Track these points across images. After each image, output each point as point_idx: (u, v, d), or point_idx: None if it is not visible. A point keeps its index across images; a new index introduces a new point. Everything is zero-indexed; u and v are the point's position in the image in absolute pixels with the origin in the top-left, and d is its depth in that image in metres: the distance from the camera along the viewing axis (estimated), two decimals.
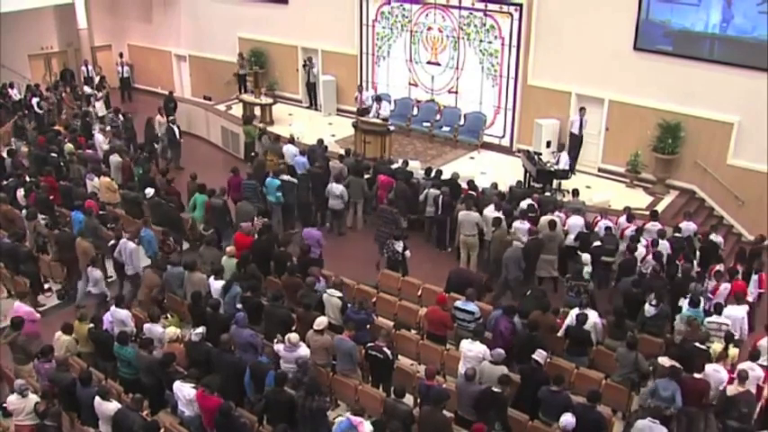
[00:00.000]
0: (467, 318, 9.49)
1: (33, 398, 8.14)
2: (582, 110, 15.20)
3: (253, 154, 15.77)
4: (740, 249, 11.66)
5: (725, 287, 10.32)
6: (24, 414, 8.13)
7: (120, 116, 17.74)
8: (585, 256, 10.98)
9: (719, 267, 10.74)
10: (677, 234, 11.80)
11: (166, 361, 8.54)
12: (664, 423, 7.60)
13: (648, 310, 9.64)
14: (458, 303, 9.69)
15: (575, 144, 15.35)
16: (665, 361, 8.53)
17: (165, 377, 8.50)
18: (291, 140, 15.48)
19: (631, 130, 15.05)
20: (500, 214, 11.97)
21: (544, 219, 12.02)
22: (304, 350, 8.76)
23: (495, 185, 13.48)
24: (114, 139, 16.73)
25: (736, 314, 9.62)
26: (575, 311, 9.41)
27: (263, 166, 14.76)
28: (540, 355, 8.38)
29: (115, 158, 14.95)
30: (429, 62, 18.05)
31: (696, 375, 8.35)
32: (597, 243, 11.54)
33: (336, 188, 13.48)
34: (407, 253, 11.64)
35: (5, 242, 11.76)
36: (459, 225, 12.27)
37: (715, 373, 8.45)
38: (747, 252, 11.47)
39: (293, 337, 8.75)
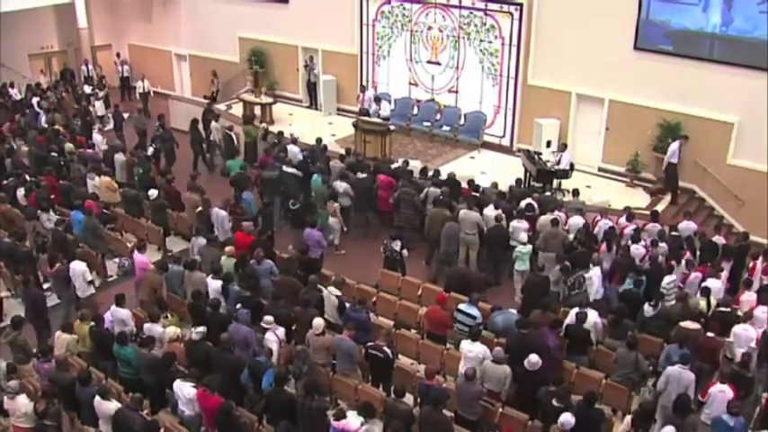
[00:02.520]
0: (467, 321, 9.41)
1: (23, 400, 8.11)
2: (684, 138, 14.10)
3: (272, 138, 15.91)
4: (725, 247, 11.68)
5: (695, 276, 10.50)
6: (16, 417, 8.13)
7: (161, 127, 16.75)
8: (523, 235, 11.33)
9: (688, 256, 11.03)
10: (674, 233, 11.81)
11: (167, 361, 8.54)
12: None
13: (648, 310, 9.65)
14: (461, 306, 9.61)
15: (672, 173, 14.27)
16: (688, 324, 8.97)
17: (166, 376, 8.50)
18: (294, 141, 15.49)
19: (631, 130, 15.05)
20: (500, 212, 12.03)
21: (545, 217, 12.02)
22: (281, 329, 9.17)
23: (495, 185, 13.49)
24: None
25: (711, 286, 10.01)
26: (574, 310, 9.41)
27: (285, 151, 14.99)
28: (530, 363, 8.30)
29: (120, 157, 14.94)
30: (429, 62, 18.06)
31: (710, 335, 8.91)
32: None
33: (340, 185, 13.47)
34: (405, 252, 11.66)
35: (5, 241, 11.76)
36: (460, 223, 12.27)
37: (744, 332, 9.02)
38: (734, 250, 11.55)
39: (268, 318, 9.01)
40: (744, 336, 9.01)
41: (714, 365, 8.86)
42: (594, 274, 10.44)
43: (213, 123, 17.10)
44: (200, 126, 17.19)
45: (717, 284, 10.11)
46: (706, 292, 9.84)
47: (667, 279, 10.26)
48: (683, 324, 9.04)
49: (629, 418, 7.86)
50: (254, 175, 14.17)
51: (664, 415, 8.06)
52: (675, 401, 7.83)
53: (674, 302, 9.88)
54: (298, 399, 7.92)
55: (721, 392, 8.03)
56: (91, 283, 10.80)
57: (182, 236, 13.46)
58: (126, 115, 19.21)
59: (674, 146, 14.00)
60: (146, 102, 21.10)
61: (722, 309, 9.55)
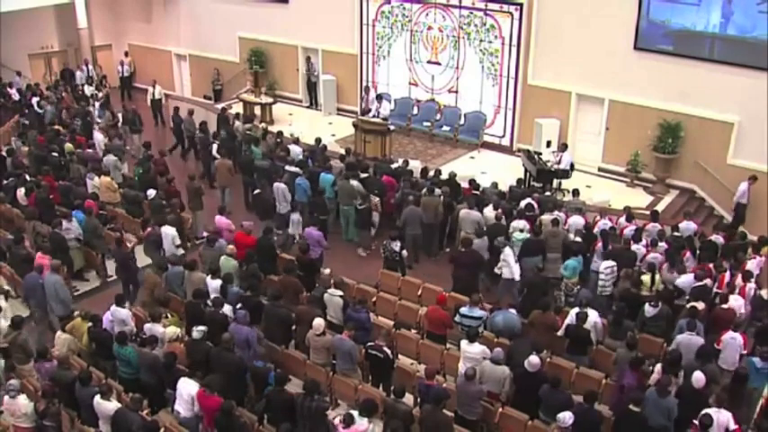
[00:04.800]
0: (473, 324, 9.37)
1: (23, 400, 8.11)
2: (753, 179, 13.43)
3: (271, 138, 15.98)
4: (725, 246, 11.70)
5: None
6: (15, 417, 8.11)
7: (203, 131, 16.63)
8: (522, 223, 11.57)
9: (688, 255, 11.21)
10: (676, 233, 11.81)
11: (168, 361, 8.54)
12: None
13: (648, 310, 9.64)
14: (463, 310, 9.55)
15: (741, 214, 13.60)
16: (699, 305, 9.59)
17: (168, 376, 8.51)
18: (296, 141, 15.50)
19: (631, 130, 15.06)
20: (499, 212, 12.08)
21: (546, 217, 12.03)
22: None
23: (495, 185, 13.49)
24: (116, 139, 16.74)
25: (684, 281, 10.40)
26: (575, 310, 9.41)
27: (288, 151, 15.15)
28: (530, 364, 8.29)
29: (110, 158, 14.96)
30: (429, 62, 18.06)
31: (724, 306, 9.66)
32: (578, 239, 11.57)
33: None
34: (404, 253, 11.65)
35: (7, 239, 11.78)
36: (461, 223, 12.28)
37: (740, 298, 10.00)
38: (732, 248, 11.57)
39: None
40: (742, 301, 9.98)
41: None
42: (508, 254, 10.93)
43: (236, 123, 17.11)
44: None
45: (689, 279, 10.39)
46: (651, 268, 10.50)
47: (605, 264, 10.70)
48: (692, 304, 9.60)
49: (659, 365, 8.42)
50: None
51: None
52: (698, 351, 8.59)
53: (610, 288, 10.68)
54: (297, 399, 7.91)
55: (733, 339, 9.02)
56: (179, 247, 11.48)
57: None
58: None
59: (743, 186, 13.48)
60: (158, 108, 20.45)
61: (698, 284, 10.17)
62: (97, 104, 19.90)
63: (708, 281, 10.27)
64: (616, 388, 8.50)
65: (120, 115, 18.78)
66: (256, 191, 13.77)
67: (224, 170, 14.73)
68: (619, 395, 8.33)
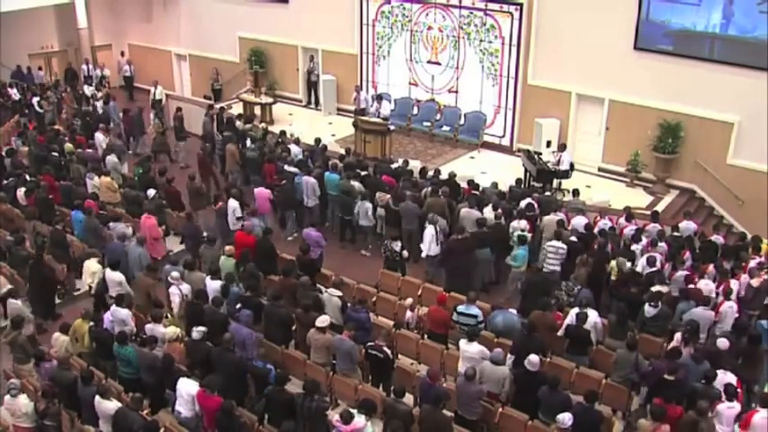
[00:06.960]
0: (469, 321, 9.41)
1: (24, 400, 8.11)
2: None
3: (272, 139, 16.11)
4: (725, 247, 11.69)
5: (680, 274, 10.68)
6: (16, 417, 8.12)
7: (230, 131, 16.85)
8: (523, 223, 11.71)
9: (687, 255, 11.30)
10: (675, 233, 11.81)
11: (166, 363, 8.54)
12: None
13: (648, 310, 9.65)
14: (460, 308, 9.57)
15: None
16: (659, 288, 10.10)
17: (168, 377, 8.51)
18: (297, 141, 15.52)
19: (631, 130, 15.05)
20: (499, 211, 12.08)
21: (549, 218, 12.01)
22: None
23: (495, 185, 13.49)
24: (115, 139, 16.76)
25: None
26: (575, 310, 9.42)
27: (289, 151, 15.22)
28: (531, 363, 8.30)
29: (112, 158, 14.97)
30: (429, 62, 18.06)
31: (691, 286, 10.16)
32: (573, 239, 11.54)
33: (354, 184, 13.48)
34: (405, 253, 11.66)
35: (7, 240, 11.78)
36: (461, 222, 12.28)
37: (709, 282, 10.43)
38: (732, 249, 11.55)
39: (174, 273, 10.18)
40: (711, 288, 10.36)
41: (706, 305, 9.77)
42: (428, 232, 11.60)
43: (237, 123, 17.13)
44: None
45: (641, 262, 10.84)
46: (625, 255, 10.87)
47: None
48: (653, 289, 10.03)
49: (678, 335, 8.96)
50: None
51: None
52: (735, 323, 9.41)
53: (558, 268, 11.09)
54: (297, 399, 7.91)
55: (730, 308, 9.63)
56: (239, 219, 12.32)
57: (181, 236, 13.49)
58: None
59: None
60: (159, 109, 20.16)
61: (651, 270, 10.54)
62: (98, 104, 19.91)
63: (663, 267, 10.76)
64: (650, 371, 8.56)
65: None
66: (284, 182, 13.81)
67: (230, 156, 15.50)
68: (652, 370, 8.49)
